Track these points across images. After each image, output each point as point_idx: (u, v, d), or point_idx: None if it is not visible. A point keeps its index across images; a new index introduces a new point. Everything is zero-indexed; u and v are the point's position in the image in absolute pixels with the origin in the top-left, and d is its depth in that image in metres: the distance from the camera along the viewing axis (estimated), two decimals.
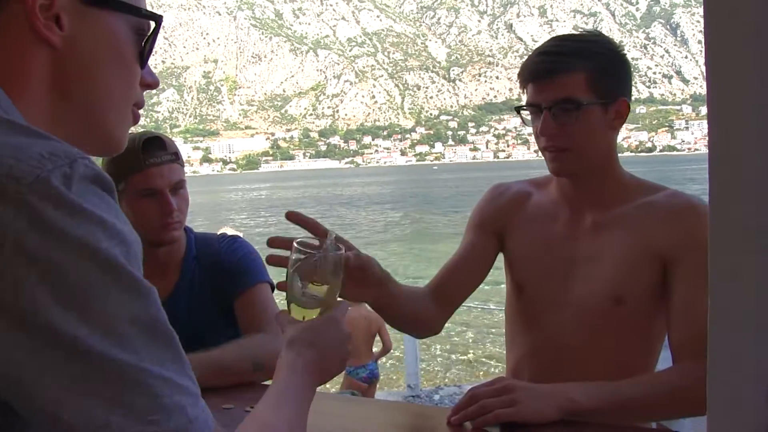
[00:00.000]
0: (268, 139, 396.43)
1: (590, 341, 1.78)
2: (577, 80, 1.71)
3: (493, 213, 1.99)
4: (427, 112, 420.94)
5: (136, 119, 1.02)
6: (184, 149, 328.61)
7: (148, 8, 0.99)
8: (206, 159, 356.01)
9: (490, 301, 11.04)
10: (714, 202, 0.70)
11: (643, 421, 1.72)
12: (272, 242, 1.47)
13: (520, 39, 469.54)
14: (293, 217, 1.52)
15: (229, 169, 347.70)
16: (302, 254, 1.28)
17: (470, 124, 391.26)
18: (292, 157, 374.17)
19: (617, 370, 1.69)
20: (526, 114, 1.85)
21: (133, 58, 0.98)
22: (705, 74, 0.70)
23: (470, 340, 12.42)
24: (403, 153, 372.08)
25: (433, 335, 2.00)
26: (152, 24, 1.00)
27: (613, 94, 1.77)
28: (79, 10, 0.90)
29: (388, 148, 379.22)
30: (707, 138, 0.72)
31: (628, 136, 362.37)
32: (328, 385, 7.27)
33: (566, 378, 1.63)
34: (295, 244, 1.28)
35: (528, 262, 1.92)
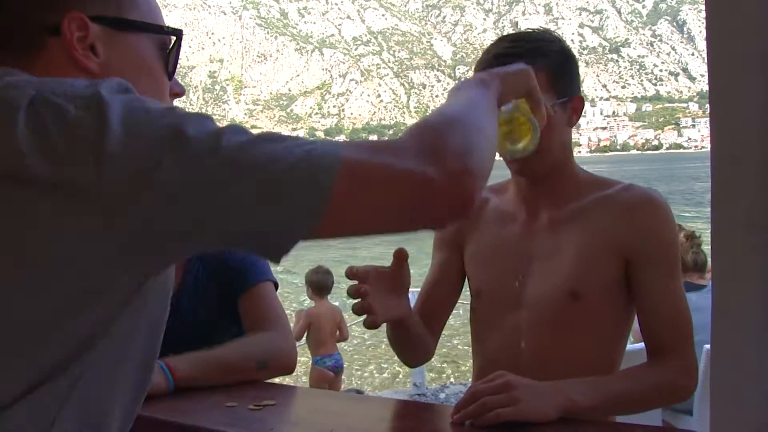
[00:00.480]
0: None
1: (549, 341, 1.77)
2: (539, 81, 1.59)
3: (452, 227, 1.97)
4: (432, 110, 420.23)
5: None
6: None
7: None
8: None
9: None
10: (716, 201, 0.69)
11: (628, 414, 1.75)
12: (352, 275, 1.55)
13: None
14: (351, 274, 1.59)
15: None
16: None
17: None
18: None
19: (578, 370, 1.67)
20: None
21: (162, 72, 1.09)
22: (707, 74, 0.73)
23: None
24: None
25: (426, 361, 2.05)
26: (173, 38, 1.11)
27: (570, 91, 1.80)
28: (110, 36, 1.01)
29: None
30: (710, 135, 0.72)
31: (634, 134, 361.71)
32: (304, 379, 7.16)
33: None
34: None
35: (484, 266, 1.93)
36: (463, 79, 1.21)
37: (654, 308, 1.71)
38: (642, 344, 1.84)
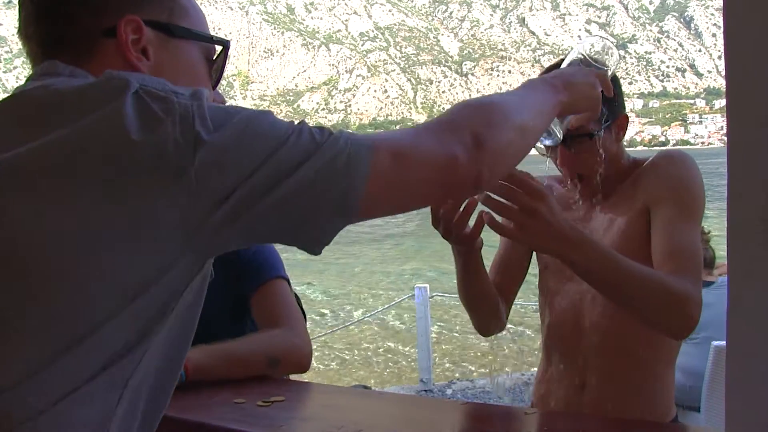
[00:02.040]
0: None
1: (607, 308, 1.88)
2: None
3: None
4: (439, 106, 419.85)
5: None
6: None
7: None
8: None
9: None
10: (732, 197, 0.70)
11: (627, 307, 1.75)
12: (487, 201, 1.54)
13: (533, 33, 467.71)
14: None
15: None
16: None
17: None
18: None
19: (634, 336, 1.84)
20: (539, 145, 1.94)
21: (207, 81, 1.15)
22: (724, 68, 0.73)
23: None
24: None
25: (500, 331, 2.08)
26: (219, 48, 1.17)
27: (614, 114, 1.89)
28: (162, 41, 1.07)
29: None
30: (726, 131, 0.72)
31: (641, 130, 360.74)
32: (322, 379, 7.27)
33: (587, 345, 1.90)
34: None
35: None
36: (536, 77, 1.27)
37: (663, 241, 1.77)
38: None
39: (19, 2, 1.07)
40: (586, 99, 1.32)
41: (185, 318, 0.99)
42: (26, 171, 0.85)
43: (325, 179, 0.91)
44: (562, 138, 1.53)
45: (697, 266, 1.73)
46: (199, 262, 0.93)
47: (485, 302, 1.98)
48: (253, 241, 0.96)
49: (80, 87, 0.92)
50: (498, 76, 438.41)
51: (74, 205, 0.84)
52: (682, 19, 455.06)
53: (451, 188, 1.00)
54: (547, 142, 1.59)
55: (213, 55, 1.16)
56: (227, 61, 1.15)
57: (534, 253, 2.11)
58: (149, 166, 0.84)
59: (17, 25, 1.07)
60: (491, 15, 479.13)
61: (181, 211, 0.86)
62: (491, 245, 2.03)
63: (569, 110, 1.30)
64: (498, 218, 1.59)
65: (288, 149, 0.90)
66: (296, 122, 0.97)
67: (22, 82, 1.05)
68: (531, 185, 1.54)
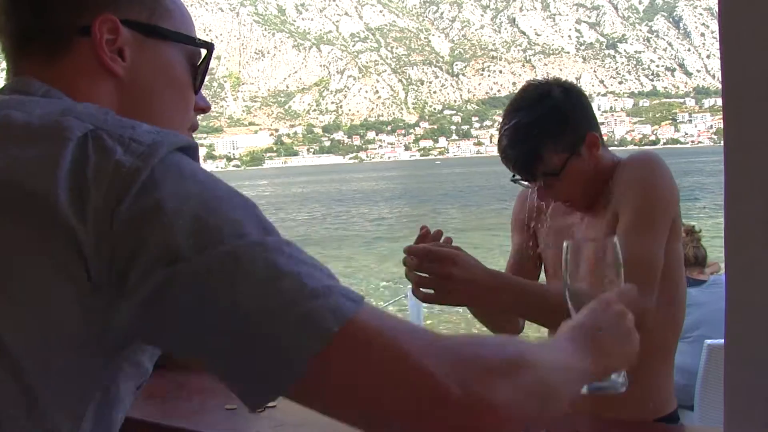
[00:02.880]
0: (271, 135, 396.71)
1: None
2: (548, 157, 1.90)
3: (526, 214, 2.20)
4: (430, 106, 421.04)
5: None
6: None
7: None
8: (210, 156, 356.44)
9: None
10: (730, 197, 0.69)
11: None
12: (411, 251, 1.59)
13: (523, 33, 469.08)
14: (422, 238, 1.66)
15: (233, 166, 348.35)
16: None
17: (474, 119, 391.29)
18: (295, 153, 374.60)
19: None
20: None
21: (188, 85, 1.08)
22: (720, 69, 0.73)
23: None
24: (407, 148, 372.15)
25: (518, 334, 2.11)
26: (203, 52, 1.10)
27: (578, 139, 1.92)
28: (140, 43, 1.00)
29: (392, 144, 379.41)
30: (723, 132, 0.71)
31: (631, 129, 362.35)
32: None
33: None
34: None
35: (555, 251, 2.11)
36: (566, 334, 1.00)
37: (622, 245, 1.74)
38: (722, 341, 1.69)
39: None
40: (620, 360, 1.10)
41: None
42: None
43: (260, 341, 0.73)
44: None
45: (647, 275, 1.73)
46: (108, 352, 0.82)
47: (497, 319, 2.05)
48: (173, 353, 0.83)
49: (29, 124, 0.83)
50: (489, 76, 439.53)
51: None
52: (671, 19, 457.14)
53: (424, 425, 0.74)
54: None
55: (197, 60, 1.09)
56: (211, 64, 1.07)
57: (541, 260, 2.17)
58: (58, 228, 0.76)
59: None
60: (482, 15, 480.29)
61: (75, 293, 0.77)
62: (506, 251, 2.09)
63: (601, 372, 1.07)
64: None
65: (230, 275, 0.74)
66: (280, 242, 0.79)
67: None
68: (437, 253, 1.56)
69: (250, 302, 0.72)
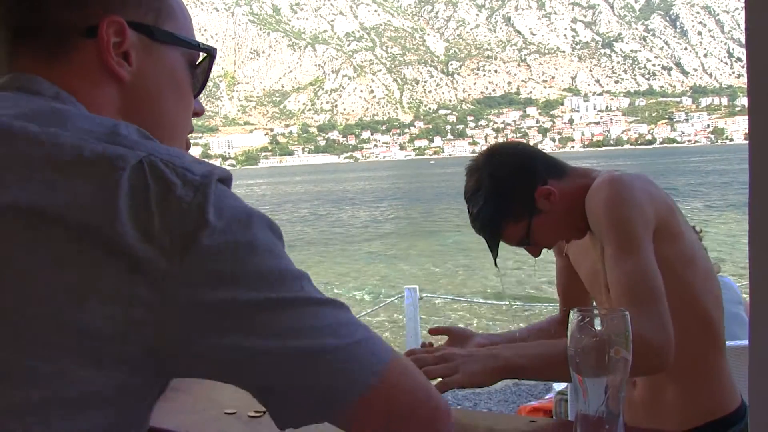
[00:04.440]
0: (267, 134, 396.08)
1: None
2: (511, 231, 1.97)
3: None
4: (425, 106, 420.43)
5: (187, 146, 1.08)
6: None
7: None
8: (205, 155, 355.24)
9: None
10: (755, 197, 0.67)
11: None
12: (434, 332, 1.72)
13: (519, 32, 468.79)
14: (434, 332, 1.83)
15: (229, 165, 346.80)
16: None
17: (469, 118, 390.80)
18: (291, 153, 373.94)
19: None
20: None
21: (189, 89, 1.06)
22: (746, 69, 0.70)
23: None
24: (402, 147, 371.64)
25: None
26: (203, 55, 1.08)
27: (529, 202, 1.95)
28: (146, 46, 0.97)
29: (387, 143, 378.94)
30: (747, 135, 0.68)
31: (627, 128, 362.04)
32: None
33: None
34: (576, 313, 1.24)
35: (580, 269, 2.22)
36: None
37: (611, 284, 1.79)
38: (746, 341, 1.76)
39: None
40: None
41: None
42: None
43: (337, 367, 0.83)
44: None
45: (643, 295, 1.72)
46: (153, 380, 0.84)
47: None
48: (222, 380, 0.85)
49: (78, 146, 0.80)
50: (484, 75, 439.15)
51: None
52: (667, 18, 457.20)
53: None
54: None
55: (196, 60, 1.07)
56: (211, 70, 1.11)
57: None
58: (126, 258, 0.76)
59: None
60: (477, 14, 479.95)
61: (140, 320, 0.77)
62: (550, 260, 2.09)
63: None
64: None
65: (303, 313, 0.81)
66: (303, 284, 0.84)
67: None
68: (426, 355, 1.65)
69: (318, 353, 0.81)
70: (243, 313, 0.78)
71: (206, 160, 0.92)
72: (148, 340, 0.77)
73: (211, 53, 1.08)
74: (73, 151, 0.79)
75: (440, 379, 1.60)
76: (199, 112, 1.10)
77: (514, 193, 1.94)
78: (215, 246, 0.77)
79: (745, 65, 0.67)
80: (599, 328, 1.21)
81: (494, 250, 2.01)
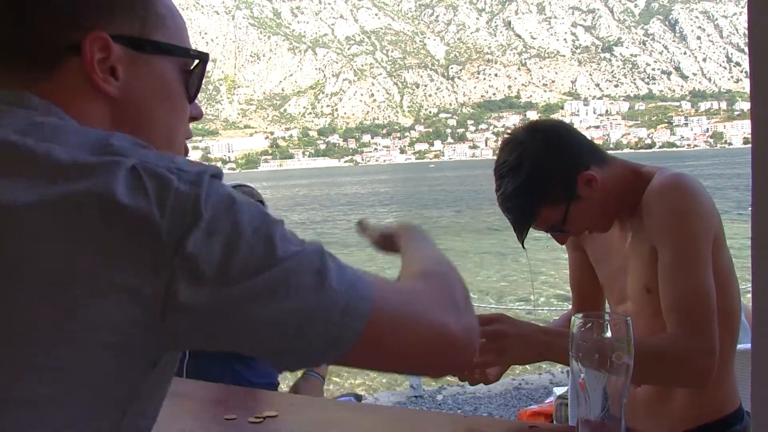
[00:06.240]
0: (267, 138, 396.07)
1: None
2: (546, 215, 1.88)
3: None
4: (426, 110, 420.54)
5: (186, 152, 1.08)
6: None
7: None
8: (206, 159, 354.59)
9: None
10: (759, 203, 0.67)
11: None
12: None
13: (519, 36, 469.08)
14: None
15: (229, 169, 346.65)
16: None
17: (469, 122, 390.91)
18: (291, 156, 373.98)
19: None
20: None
21: (183, 96, 1.03)
22: (749, 73, 0.70)
23: None
24: (402, 151, 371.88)
25: None
26: (197, 60, 1.05)
27: (571, 186, 1.85)
28: (133, 59, 0.95)
29: (387, 147, 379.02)
30: (751, 138, 0.69)
31: (627, 132, 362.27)
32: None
33: None
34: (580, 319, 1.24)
35: (599, 265, 2.14)
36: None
37: (664, 294, 1.75)
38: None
39: None
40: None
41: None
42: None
43: (316, 322, 0.84)
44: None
45: (703, 314, 1.69)
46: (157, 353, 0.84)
47: None
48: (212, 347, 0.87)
49: (74, 160, 0.79)
50: (484, 79, 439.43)
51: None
52: (667, 22, 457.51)
53: (443, 361, 0.94)
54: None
55: (189, 66, 1.04)
56: (207, 67, 1.04)
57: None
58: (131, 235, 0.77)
59: None
60: (477, 18, 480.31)
61: (139, 300, 0.77)
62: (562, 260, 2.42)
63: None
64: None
65: (288, 274, 0.82)
66: (308, 244, 0.89)
67: None
68: (481, 317, 1.58)
69: (307, 309, 0.83)
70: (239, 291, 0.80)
71: (206, 163, 0.89)
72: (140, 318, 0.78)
73: (203, 59, 1.05)
74: (68, 164, 0.79)
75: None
76: (197, 117, 1.09)
77: (559, 175, 1.85)
78: (209, 235, 0.78)
79: (748, 68, 0.67)
80: (601, 333, 1.21)
81: (525, 231, 1.93)
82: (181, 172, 0.81)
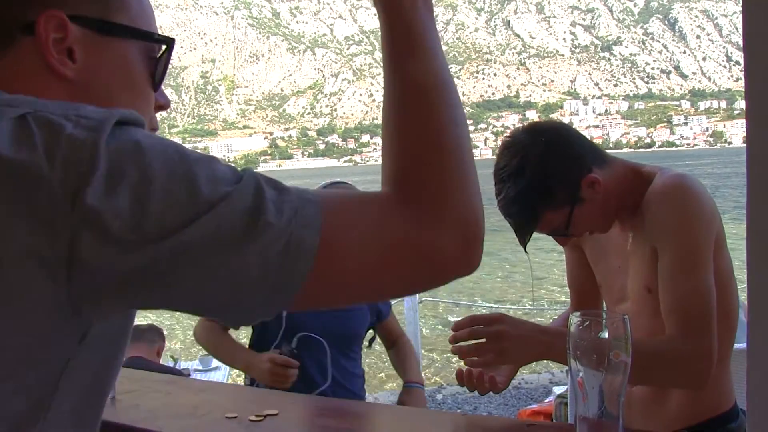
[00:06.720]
0: (266, 138, 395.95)
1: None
2: (549, 219, 1.86)
3: None
4: None
5: None
6: None
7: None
8: None
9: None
10: (753, 204, 0.67)
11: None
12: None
13: (518, 36, 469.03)
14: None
15: None
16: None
17: (468, 122, 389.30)
18: (290, 156, 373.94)
19: None
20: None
21: (147, 83, 0.97)
22: (744, 72, 0.71)
23: None
24: None
25: None
26: (163, 46, 0.98)
27: (574, 190, 1.83)
28: (92, 41, 0.90)
29: None
30: (745, 136, 0.69)
31: (627, 132, 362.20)
32: None
33: None
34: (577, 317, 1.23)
35: (597, 265, 2.13)
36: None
37: (664, 296, 1.76)
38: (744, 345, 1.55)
39: None
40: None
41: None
42: None
43: (264, 268, 0.75)
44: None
45: (698, 316, 1.70)
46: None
47: None
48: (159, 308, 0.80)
49: None
50: (483, 79, 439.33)
51: None
52: (666, 21, 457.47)
53: (428, 278, 0.83)
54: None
55: (156, 52, 0.98)
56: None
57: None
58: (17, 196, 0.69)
59: None
60: (476, 18, 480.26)
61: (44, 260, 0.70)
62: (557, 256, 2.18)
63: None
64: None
65: (215, 220, 0.73)
66: (240, 170, 0.82)
67: None
68: (482, 317, 1.61)
69: (244, 257, 0.74)
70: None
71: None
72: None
73: (168, 43, 0.99)
74: None
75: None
76: (164, 106, 1.04)
77: (562, 179, 1.82)
78: (112, 185, 0.70)
79: (743, 68, 0.68)
80: (599, 331, 1.21)
81: (527, 236, 1.90)
82: (81, 118, 0.74)
